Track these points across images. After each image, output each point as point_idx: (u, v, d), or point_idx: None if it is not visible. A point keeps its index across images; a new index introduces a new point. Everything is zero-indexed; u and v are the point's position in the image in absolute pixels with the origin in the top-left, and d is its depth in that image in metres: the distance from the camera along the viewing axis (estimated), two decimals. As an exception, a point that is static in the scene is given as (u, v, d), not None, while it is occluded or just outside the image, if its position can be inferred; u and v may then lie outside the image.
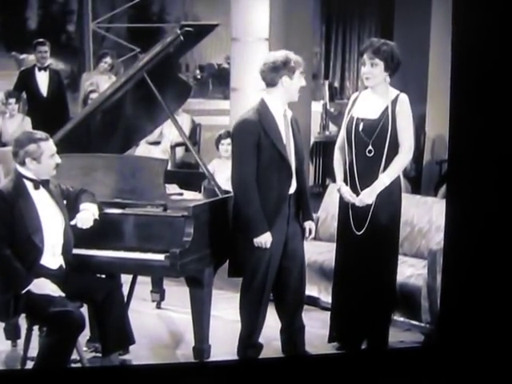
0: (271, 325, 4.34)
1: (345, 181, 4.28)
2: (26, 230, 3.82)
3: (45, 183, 3.96)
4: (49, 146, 3.94)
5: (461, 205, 3.77)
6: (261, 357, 4.24)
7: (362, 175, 4.22)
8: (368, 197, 4.19)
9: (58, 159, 3.96)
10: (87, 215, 4.02)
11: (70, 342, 3.73)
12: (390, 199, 4.25)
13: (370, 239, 4.21)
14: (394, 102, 4.23)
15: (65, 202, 4.07)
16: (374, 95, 4.27)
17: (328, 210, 5.46)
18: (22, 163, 3.92)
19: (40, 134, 3.99)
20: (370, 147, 4.20)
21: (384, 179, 4.19)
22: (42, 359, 3.73)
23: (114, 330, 3.91)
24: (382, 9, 9.95)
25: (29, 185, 3.92)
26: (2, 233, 3.79)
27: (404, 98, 4.26)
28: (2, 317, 3.95)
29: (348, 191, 4.24)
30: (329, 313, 4.53)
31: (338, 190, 4.33)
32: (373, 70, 4.19)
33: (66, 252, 3.97)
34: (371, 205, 4.20)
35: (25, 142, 3.91)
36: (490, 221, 3.68)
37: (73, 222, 4.01)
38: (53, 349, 3.70)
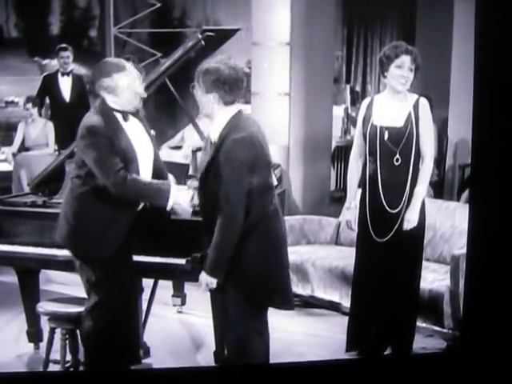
0: (291, 330, 4.33)
1: (364, 190, 4.25)
2: (123, 160, 3.66)
3: (134, 113, 3.80)
4: (123, 77, 3.68)
5: (484, 209, 3.73)
6: (280, 361, 4.22)
7: (386, 184, 4.18)
8: (413, 215, 4.15)
9: (139, 89, 3.72)
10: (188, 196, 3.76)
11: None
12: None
13: (395, 246, 4.18)
14: (416, 106, 4.20)
15: None
16: (393, 101, 4.22)
17: (349, 214, 5.43)
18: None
19: (116, 64, 3.74)
20: (398, 156, 4.16)
21: (420, 191, 4.16)
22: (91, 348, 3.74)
23: None
24: (404, 12, 9.90)
25: (119, 116, 3.74)
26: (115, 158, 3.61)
27: (425, 102, 4.23)
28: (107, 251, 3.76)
29: (354, 220, 4.26)
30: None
31: (345, 208, 4.36)
32: (411, 75, 4.17)
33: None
34: (395, 213, 4.16)
35: (97, 75, 3.73)
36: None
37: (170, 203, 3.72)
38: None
